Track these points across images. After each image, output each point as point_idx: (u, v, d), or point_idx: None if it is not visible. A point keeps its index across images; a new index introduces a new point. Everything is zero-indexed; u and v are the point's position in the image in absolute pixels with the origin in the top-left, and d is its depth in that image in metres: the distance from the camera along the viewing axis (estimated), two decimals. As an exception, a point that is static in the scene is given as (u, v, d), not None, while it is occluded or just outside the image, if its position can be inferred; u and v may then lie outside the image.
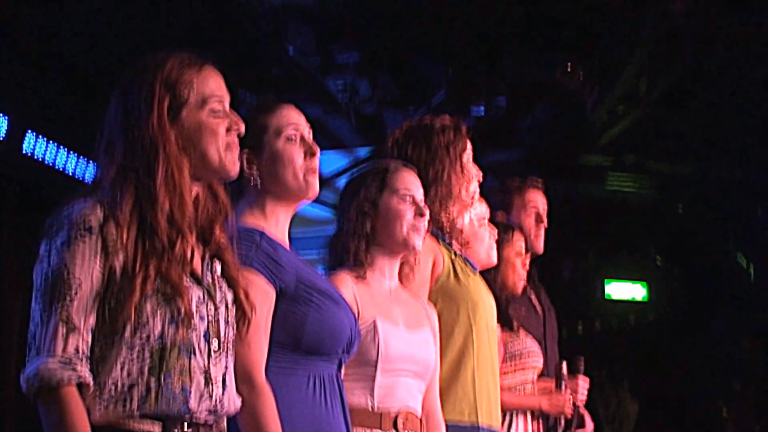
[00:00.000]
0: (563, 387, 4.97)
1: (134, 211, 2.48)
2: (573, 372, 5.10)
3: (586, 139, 9.68)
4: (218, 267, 2.67)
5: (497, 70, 8.61)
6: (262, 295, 2.96)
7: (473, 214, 4.36)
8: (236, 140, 2.67)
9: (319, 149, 3.22)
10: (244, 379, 2.84)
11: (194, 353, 2.49)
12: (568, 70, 8.47)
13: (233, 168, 2.65)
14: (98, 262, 2.42)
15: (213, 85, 2.66)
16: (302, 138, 3.20)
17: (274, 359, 3.00)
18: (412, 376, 3.49)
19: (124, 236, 2.45)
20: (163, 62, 2.64)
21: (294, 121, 3.22)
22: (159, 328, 2.44)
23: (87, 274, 2.41)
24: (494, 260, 4.41)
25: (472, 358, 3.86)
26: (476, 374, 3.86)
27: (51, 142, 7.41)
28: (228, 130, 2.64)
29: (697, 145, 9.91)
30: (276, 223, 3.19)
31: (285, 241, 3.20)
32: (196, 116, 2.61)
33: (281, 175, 3.16)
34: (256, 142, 3.17)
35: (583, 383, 5.11)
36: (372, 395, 3.40)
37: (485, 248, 4.38)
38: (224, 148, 2.62)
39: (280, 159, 3.17)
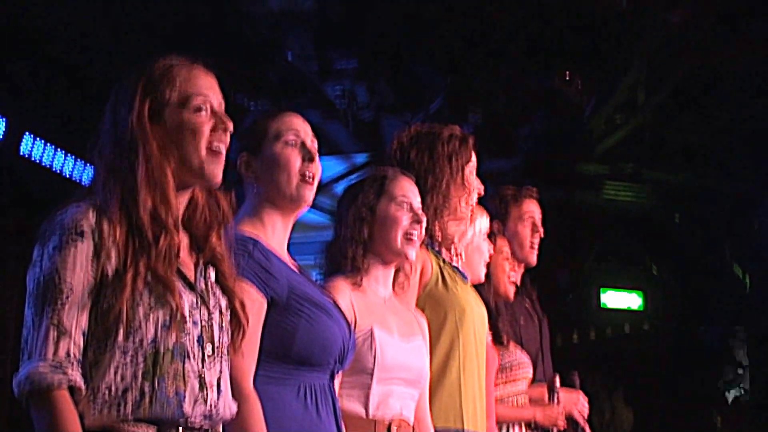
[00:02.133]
0: (556, 399, 4.97)
1: (122, 210, 2.48)
2: (568, 386, 5.11)
3: (583, 147, 9.70)
4: (212, 273, 2.66)
5: (495, 78, 8.62)
6: (250, 304, 2.91)
7: (478, 227, 4.36)
8: (224, 139, 2.63)
9: (317, 156, 3.18)
10: (231, 387, 2.83)
11: (188, 357, 2.48)
12: (566, 78, 8.48)
13: (215, 173, 2.62)
14: (90, 266, 2.42)
15: (199, 84, 2.63)
16: (302, 144, 3.17)
17: (265, 369, 2.98)
18: (406, 385, 3.48)
19: (116, 235, 2.45)
20: (150, 65, 2.63)
21: (295, 127, 3.18)
22: (152, 332, 2.43)
23: (78, 278, 2.40)
24: (482, 278, 4.40)
25: (457, 364, 3.84)
26: (462, 380, 3.84)
27: (48, 144, 7.43)
28: (213, 129, 2.61)
29: (694, 155, 9.93)
30: (273, 231, 3.15)
31: (282, 249, 3.17)
32: (178, 115, 2.58)
33: (276, 179, 3.13)
34: (256, 145, 3.14)
35: (582, 399, 5.12)
36: (367, 403, 3.39)
37: (482, 262, 4.38)
38: (206, 149, 2.59)
39: (276, 162, 3.13)
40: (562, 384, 5.07)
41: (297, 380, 3.05)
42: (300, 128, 3.19)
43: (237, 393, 2.78)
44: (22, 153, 7.22)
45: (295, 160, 3.14)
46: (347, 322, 3.23)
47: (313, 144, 3.19)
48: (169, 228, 2.51)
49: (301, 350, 3.04)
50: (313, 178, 3.17)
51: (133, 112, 2.54)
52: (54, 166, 7.48)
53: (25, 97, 7.28)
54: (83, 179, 7.61)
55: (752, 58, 8.40)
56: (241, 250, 2.95)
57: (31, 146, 7.30)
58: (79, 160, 7.61)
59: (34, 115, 7.34)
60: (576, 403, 5.09)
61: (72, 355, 2.37)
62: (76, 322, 2.39)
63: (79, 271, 2.40)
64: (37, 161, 7.36)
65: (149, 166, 2.52)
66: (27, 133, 7.25)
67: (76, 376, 2.36)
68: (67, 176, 7.57)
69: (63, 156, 7.54)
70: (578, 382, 5.19)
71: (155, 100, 2.58)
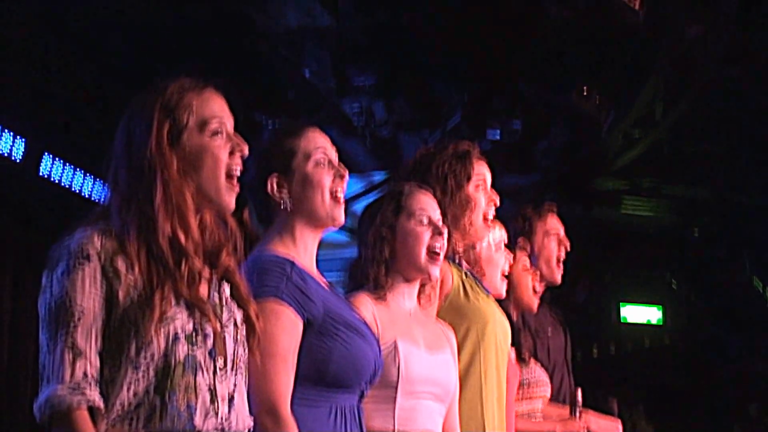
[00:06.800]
0: (578, 413, 4.97)
1: (140, 237, 2.52)
2: (607, 413, 5.13)
3: (601, 162, 9.68)
4: (227, 288, 2.69)
5: (513, 94, 8.62)
6: (290, 326, 2.96)
7: (491, 238, 4.35)
8: (239, 163, 2.68)
9: (347, 171, 3.23)
10: (269, 412, 2.85)
11: (200, 370, 2.51)
12: (584, 93, 8.47)
13: (230, 202, 2.67)
14: (99, 287, 2.46)
15: (214, 107, 2.67)
16: (330, 161, 3.21)
17: (298, 391, 2.98)
18: (434, 399, 3.47)
19: (135, 263, 2.49)
20: (163, 88, 2.66)
21: (321, 145, 3.22)
22: (163, 346, 2.47)
23: (89, 300, 2.45)
24: (503, 293, 4.40)
25: (479, 375, 3.84)
26: (483, 392, 3.84)
27: (67, 164, 7.46)
28: (231, 153, 2.66)
29: (712, 170, 9.91)
30: (305, 248, 3.18)
31: (313, 267, 3.20)
32: (197, 139, 2.63)
33: (311, 199, 3.16)
34: (286, 165, 3.17)
35: (620, 428, 5.13)
36: (393, 419, 3.37)
37: (498, 274, 4.37)
38: (225, 175, 2.64)
39: (309, 182, 3.17)
40: (600, 410, 5.08)
41: (329, 402, 3.06)
42: (325, 144, 3.24)
43: (274, 418, 2.85)
44: (41, 174, 7.25)
45: (327, 180, 3.19)
46: (376, 339, 3.23)
47: (336, 157, 3.24)
48: (189, 254, 2.56)
49: (336, 374, 3.05)
50: (343, 192, 3.22)
51: (152, 136, 2.58)
52: (73, 186, 7.51)
53: (44, 118, 7.31)
54: (102, 199, 7.62)
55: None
56: (279, 272, 3.00)
57: (51, 166, 7.33)
58: (98, 180, 7.64)
59: (53, 135, 7.37)
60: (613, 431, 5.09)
61: (89, 375, 2.42)
62: (91, 343, 2.44)
63: (88, 293, 2.45)
64: (57, 181, 7.39)
65: (168, 192, 2.56)
66: (46, 154, 7.28)
67: (95, 395, 2.40)
68: (87, 196, 7.60)
69: (82, 176, 7.57)
70: (617, 409, 5.20)
71: (173, 124, 2.61)
